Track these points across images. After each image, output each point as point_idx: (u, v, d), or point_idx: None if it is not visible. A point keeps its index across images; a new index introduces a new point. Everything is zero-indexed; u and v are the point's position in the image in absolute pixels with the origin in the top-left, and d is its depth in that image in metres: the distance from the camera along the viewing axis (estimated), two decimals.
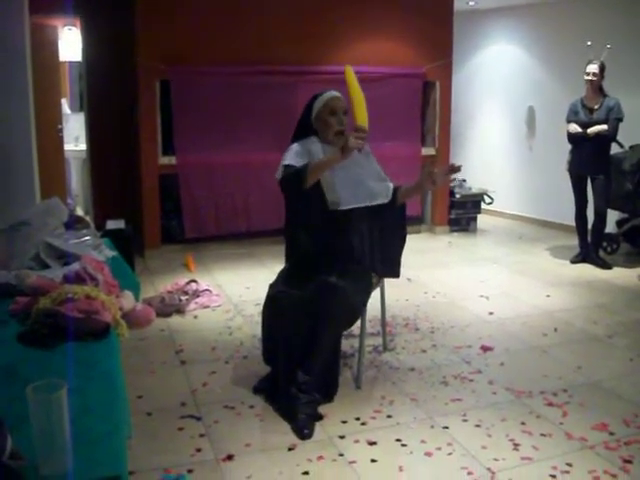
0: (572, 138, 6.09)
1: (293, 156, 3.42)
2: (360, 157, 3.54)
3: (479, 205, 8.07)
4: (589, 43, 6.14)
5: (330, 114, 3.48)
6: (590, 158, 6.00)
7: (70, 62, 8.53)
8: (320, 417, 3.18)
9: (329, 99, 3.50)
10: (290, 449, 2.93)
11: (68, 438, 1.42)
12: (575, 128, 6.00)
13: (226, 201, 6.76)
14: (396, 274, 3.79)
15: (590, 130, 5.90)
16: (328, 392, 3.35)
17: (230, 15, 6.55)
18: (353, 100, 3.25)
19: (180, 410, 3.30)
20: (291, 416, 3.15)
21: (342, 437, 3.04)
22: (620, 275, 5.93)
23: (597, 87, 5.96)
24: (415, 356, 4.04)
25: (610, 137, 5.94)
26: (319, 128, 3.53)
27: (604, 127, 5.86)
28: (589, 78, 5.93)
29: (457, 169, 3.45)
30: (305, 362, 3.21)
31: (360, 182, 3.53)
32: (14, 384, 1.74)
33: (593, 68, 5.91)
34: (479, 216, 8.10)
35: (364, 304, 3.52)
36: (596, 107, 5.96)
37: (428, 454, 2.90)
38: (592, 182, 6.13)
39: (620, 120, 5.87)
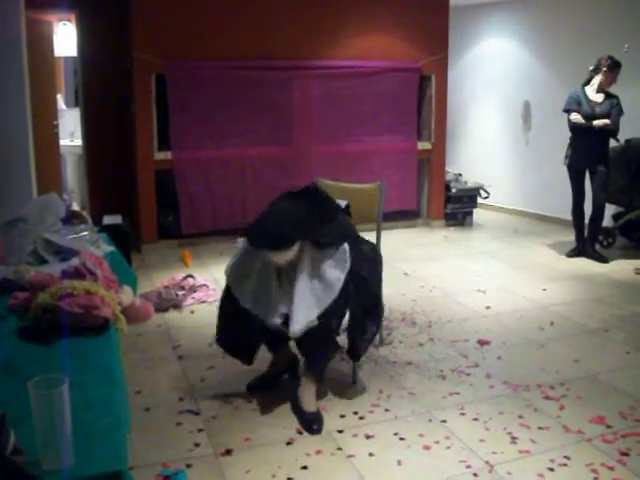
0: (575, 128, 6.08)
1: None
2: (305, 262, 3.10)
3: (475, 199, 8.06)
4: (627, 46, 6.23)
5: None
6: (591, 151, 6.01)
7: (65, 57, 8.50)
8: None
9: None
10: (289, 443, 2.94)
11: (69, 433, 1.42)
12: (579, 119, 6.00)
13: (222, 196, 6.76)
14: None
15: (596, 122, 5.89)
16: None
17: (226, 9, 6.55)
18: None
19: (178, 405, 3.30)
20: (298, 411, 3.15)
21: (340, 431, 3.05)
22: (616, 269, 5.94)
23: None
24: (412, 350, 4.05)
25: (613, 131, 5.94)
26: None
27: (607, 121, 5.87)
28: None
29: None
30: (306, 363, 3.24)
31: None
32: (14, 379, 1.73)
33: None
34: (475, 210, 8.09)
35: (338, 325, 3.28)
36: (599, 101, 5.97)
37: (426, 448, 2.91)
38: (591, 175, 6.12)
39: (620, 115, 5.90)
